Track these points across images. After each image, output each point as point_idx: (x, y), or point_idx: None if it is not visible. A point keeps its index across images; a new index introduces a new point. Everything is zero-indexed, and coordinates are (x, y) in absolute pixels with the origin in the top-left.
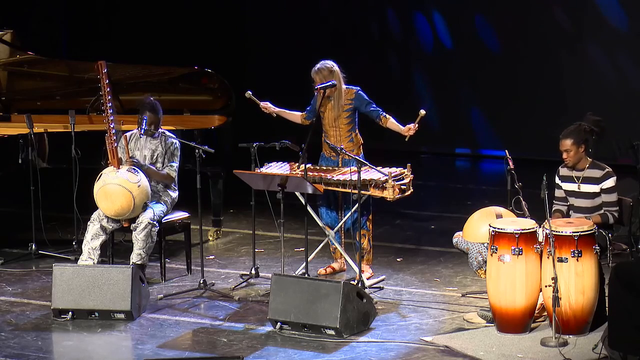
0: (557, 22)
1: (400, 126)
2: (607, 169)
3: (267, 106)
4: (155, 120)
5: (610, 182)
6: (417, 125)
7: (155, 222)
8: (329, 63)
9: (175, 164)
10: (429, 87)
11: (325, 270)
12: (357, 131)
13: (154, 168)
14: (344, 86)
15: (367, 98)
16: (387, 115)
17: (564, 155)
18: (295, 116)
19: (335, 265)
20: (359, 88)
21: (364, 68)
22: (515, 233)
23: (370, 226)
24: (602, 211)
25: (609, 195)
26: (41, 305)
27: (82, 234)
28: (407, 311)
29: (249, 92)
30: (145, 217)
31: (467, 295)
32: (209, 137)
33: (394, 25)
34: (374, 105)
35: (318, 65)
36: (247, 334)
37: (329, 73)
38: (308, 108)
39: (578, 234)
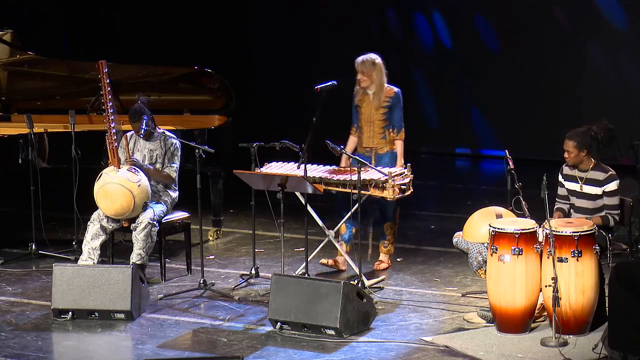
0: (557, 22)
1: (401, 160)
2: (610, 172)
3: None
4: (149, 121)
5: (612, 185)
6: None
7: (155, 222)
8: (373, 55)
9: (176, 165)
10: (429, 87)
11: (328, 261)
12: (391, 129)
13: (153, 168)
14: (386, 84)
15: (401, 103)
16: (403, 135)
17: (565, 155)
18: (353, 140)
19: (339, 259)
20: (399, 90)
21: None
22: (515, 233)
23: (397, 219)
24: (603, 213)
25: (611, 198)
26: (41, 305)
27: (82, 234)
28: (407, 311)
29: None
30: (145, 217)
31: (467, 295)
32: (209, 137)
33: (394, 25)
34: (401, 117)
35: (363, 57)
36: (247, 334)
37: (371, 64)
38: (354, 123)
39: (578, 234)
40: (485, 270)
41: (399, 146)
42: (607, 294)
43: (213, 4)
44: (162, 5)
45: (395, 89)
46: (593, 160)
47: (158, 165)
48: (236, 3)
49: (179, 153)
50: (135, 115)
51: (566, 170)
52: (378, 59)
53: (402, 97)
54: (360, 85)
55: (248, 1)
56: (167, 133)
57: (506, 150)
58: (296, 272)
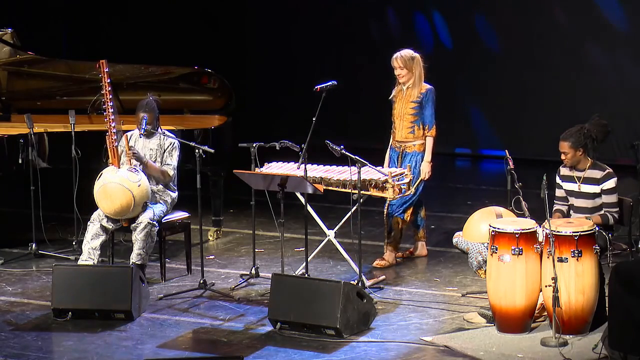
0: (557, 22)
1: (429, 156)
2: (607, 170)
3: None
4: (153, 119)
5: (610, 183)
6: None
7: (155, 222)
8: (409, 50)
9: (173, 163)
10: None
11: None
12: (421, 125)
13: (151, 162)
14: (423, 81)
15: (433, 100)
16: (434, 132)
17: (562, 157)
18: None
19: (387, 256)
20: (432, 87)
21: (364, 68)
22: (515, 233)
23: (408, 217)
24: (602, 212)
25: (609, 196)
26: (41, 305)
27: (82, 234)
28: (407, 311)
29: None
30: (145, 217)
31: (467, 295)
32: (209, 137)
33: (394, 25)
34: (432, 114)
35: (400, 52)
36: (247, 334)
37: (409, 59)
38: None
39: (578, 234)
40: (485, 270)
41: (428, 142)
42: (607, 294)
43: (213, 4)
44: (162, 5)
45: (428, 86)
46: (590, 159)
47: (157, 164)
48: (236, 3)
49: (177, 152)
50: (143, 108)
51: (563, 171)
52: (415, 53)
53: (435, 94)
54: (400, 80)
55: (248, 1)
56: (167, 133)
57: (506, 150)
58: (296, 272)
